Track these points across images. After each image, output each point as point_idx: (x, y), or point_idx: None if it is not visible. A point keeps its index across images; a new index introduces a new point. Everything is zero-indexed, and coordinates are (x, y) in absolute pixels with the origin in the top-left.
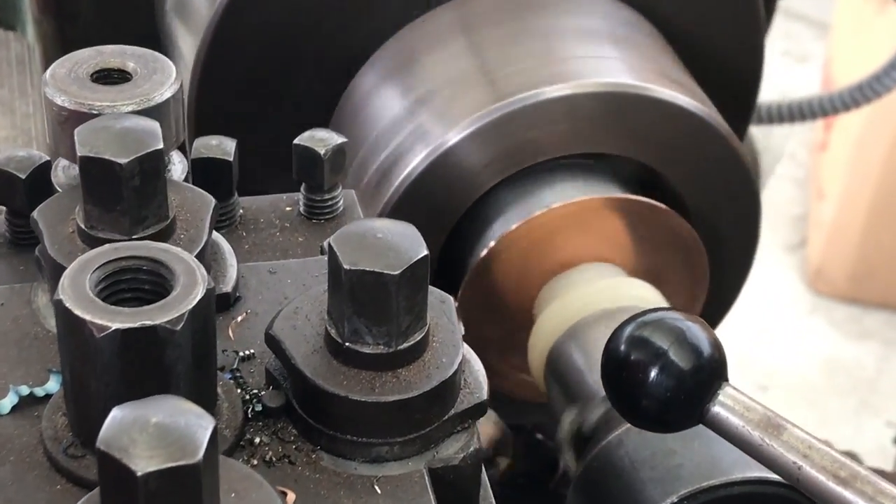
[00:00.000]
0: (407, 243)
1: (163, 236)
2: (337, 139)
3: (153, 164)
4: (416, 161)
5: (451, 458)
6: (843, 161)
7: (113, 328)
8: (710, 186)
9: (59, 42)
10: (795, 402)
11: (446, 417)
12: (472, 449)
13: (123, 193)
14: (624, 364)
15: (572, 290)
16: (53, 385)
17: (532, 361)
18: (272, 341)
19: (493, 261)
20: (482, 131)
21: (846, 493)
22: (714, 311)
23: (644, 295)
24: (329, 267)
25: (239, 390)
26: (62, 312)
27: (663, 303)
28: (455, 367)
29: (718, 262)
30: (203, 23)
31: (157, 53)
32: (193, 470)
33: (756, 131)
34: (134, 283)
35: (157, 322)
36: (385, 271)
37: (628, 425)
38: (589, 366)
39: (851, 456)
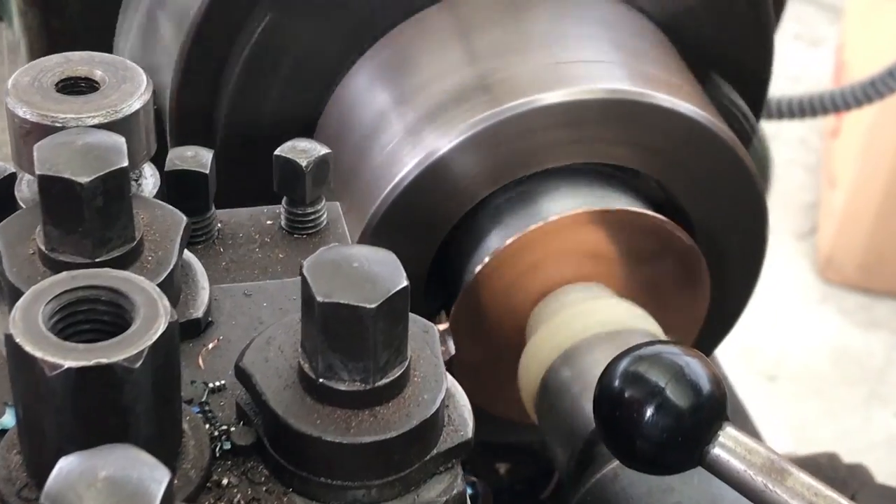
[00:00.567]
0: (385, 273)
1: (129, 259)
2: (320, 150)
3: (117, 183)
4: (406, 169)
5: (434, 500)
6: (856, 148)
7: (65, 366)
8: (714, 198)
9: (45, 35)
10: (804, 392)
11: (428, 458)
12: (455, 491)
13: (85, 214)
14: (618, 401)
15: (565, 311)
16: (9, 420)
17: (523, 385)
18: (242, 375)
19: (488, 277)
20: (477, 139)
21: None
22: (716, 330)
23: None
24: (302, 297)
25: (207, 426)
26: (12, 348)
27: (658, 329)
28: (437, 404)
29: (721, 277)
30: (187, 14)
31: (129, 62)
32: None
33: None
34: (92, 315)
35: (114, 360)
36: (361, 304)
37: None
38: (583, 393)
39: (835, 458)
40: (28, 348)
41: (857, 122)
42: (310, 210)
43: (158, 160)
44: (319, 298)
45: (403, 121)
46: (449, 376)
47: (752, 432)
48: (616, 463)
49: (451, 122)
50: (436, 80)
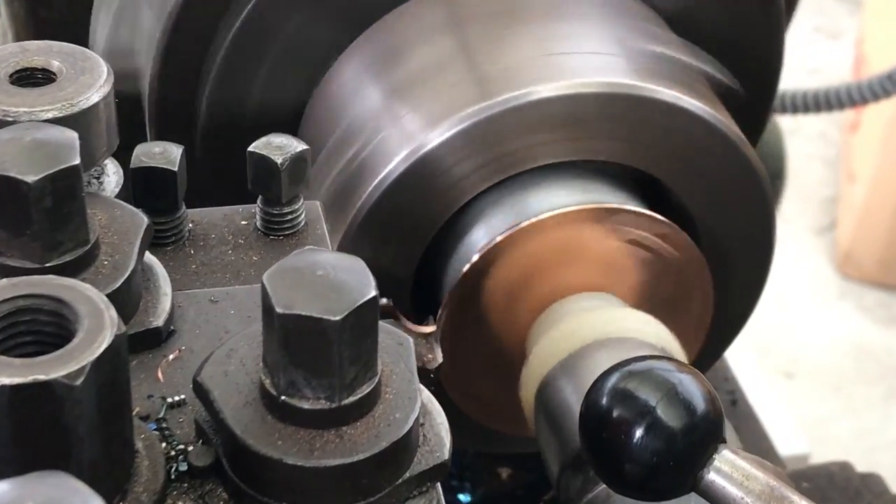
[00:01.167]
0: (353, 282)
1: (82, 264)
2: (297, 146)
3: (68, 183)
4: (392, 164)
5: None
6: (875, 142)
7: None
8: (718, 199)
9: (32, 24)
10: (821, 389)
11: (400, 481)
12: None
13: (33, 216)
14: (605, 421)
15: (567, 320)
16: None
17: (525, 398)
18: (200, 390)
19: (477, 277)
20: (467, 133)
21: None
22: (721, 335)
23: (649, 329)
24: (262, 308)
25: (164, 444)
26: None
27: (669, 337)
28: (410, 423)
29: (726, 281)
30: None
31: (89, 52)
32: None
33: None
34: (34, 327)
35: (52, 376)
36: (324, 317)
37: None
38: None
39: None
40: None
41: (877, 117)
42: (286, 210)
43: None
44: (279, 310)
45: (391, 113)
46: (425, 392)
47: (764, 440)
48: None
49: (440, 116)
50: (426, 72)
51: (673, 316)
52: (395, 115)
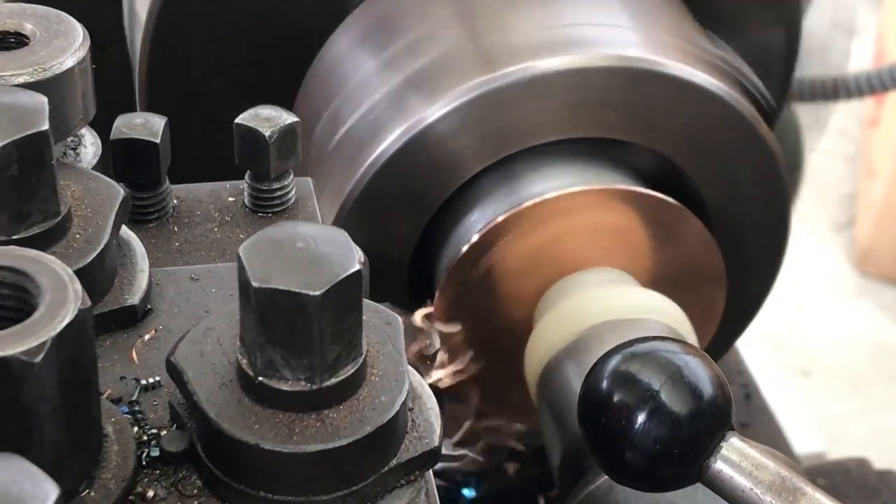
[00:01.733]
0: (335, 255)
1: (52, 237)
2: (286, 118)
3: (36, 150)
4: (390, 138)
5: None
6: (895, 137)
7: None
8: (731, 179)
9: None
10: (839, 388)
11: (386, 469)
12: None
13: None
14: (605, 406)
15: (574, 297)
16: None
17: (528, 374)
18: (173, 370)
19: (477, 260)
20: (469, 107)
21: None
22: (733, 323)
23: (661, 307)
24: (239, 283)
25: (136, 429)
26: None
27: (682, 318)
28: (396, 407)
29: (739, 267)
30: None
31: (64, 15)
32: None
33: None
34: None
35: (10, 353)
36: (303, 291)
37: None
38: None
39: (865, 464)
40: None
41: None
42: (276, 186)
43: None
44: (255, 284)
45: (388, 86)
46: (416, 375)
47: (778, 434)
48: None
49: (440, 89)
50: (425, 43)
51: (682, 301)
52: (391, 89)
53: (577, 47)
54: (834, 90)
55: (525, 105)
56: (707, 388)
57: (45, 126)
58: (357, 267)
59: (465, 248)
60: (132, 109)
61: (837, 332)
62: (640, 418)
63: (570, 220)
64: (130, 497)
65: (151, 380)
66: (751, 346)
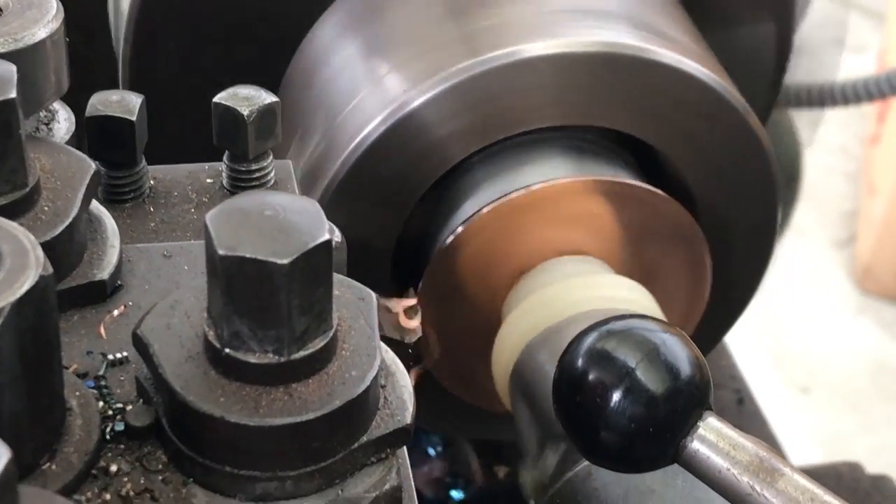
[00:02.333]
0: (304, 224)
1: (19, 208)
2: (265, 97)
3: (3, 118)
4: (372, 124)
5: (360, 497)
6: None
7: None
8: (720, 172)
9: None
10: (838, 406)
11: (356, 446)
12: (388, 486)
13: None
14: (579, 384)
15: (546, 288)
16: None
17: (496, 371)
18: (139, 343)
19: (461, 249)
20: (452, 92)
21: None
22: (719, 321)
23: (634, 298)
24: (206, 252)
25: (101, 404)
26: None
27: (656, 310)
28: (367, 382)
29: (726, 261)
30: None
31: None
32: None
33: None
34: None
35: None
36: (270, 259)
37: None
38: None
39: (858, 468)
40: None
41: None
42: (254, 167)
43: None
44: (221, 252)
45: (372, 73)
46: (389, 353)
47: (771, 441)
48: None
49: (423, 74)
50: (409, 29)
51: (667, 293)
52: (375, 74)
53: (566, 32)
54: (831, 96)
55: (510, 91)
56: (684, 367)
57: (13, 94)
58: (326, 237)
59: (449, 239)
60: None
61: (837, 350)
62: (616, 396)
63: (553, 208)
64: (93, 471)
65: (119, 355)
66: (750, 362)
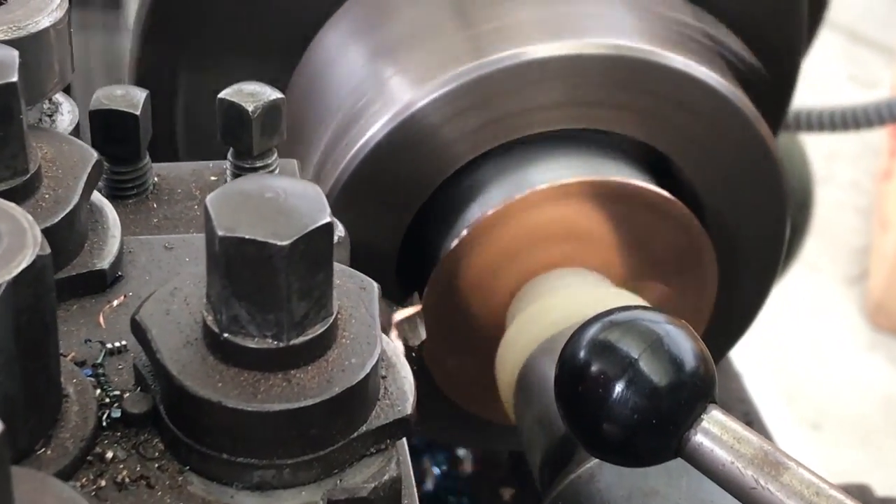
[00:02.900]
0: (304, 207)
1: (20, 194)
2: (270, 94)
3: (3, 102)
4: (376, 126)
5: (359, 487)
6: None
7: None
8: (728, 178)
9: None
10: (849, 442)
11: (355, 435)
12: (387, 477)
13: None
14: (582, 375)
15: (551, 295)
16: None
17: (501, 379)
18: (138, 329)
19: (466, 253)
20: (458, 94)
21: None
22: (724, 335)
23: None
24: (205, 235)
25: (99, 391)
26: None
27: None
28: (367, 369)
29: (733, 269)
30: None
31: None
32: None
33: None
34: None
35: None
36: (270, 241)
37: None
38: None
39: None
40: None
41: None
42: (258, 164)
43: None
44: (221, 233)
45: (377, 75)
46: (391, 344)
47: None
48: (593, 462)
49: (428, 76)
50: (415, 32)
51: (672, 299)
52: (381, 76)
53: (573, 34)
54: (842, 121)
55: (516, 93)
56: (689, 359)
57: (14, 78)
58: (327, 219)
59: (454, 244)
60: None
61: (849, 386)
62: (618, 387)
63: (560, 212)
64: (89, 457)
65: (118, 344)
66: (761, 397)
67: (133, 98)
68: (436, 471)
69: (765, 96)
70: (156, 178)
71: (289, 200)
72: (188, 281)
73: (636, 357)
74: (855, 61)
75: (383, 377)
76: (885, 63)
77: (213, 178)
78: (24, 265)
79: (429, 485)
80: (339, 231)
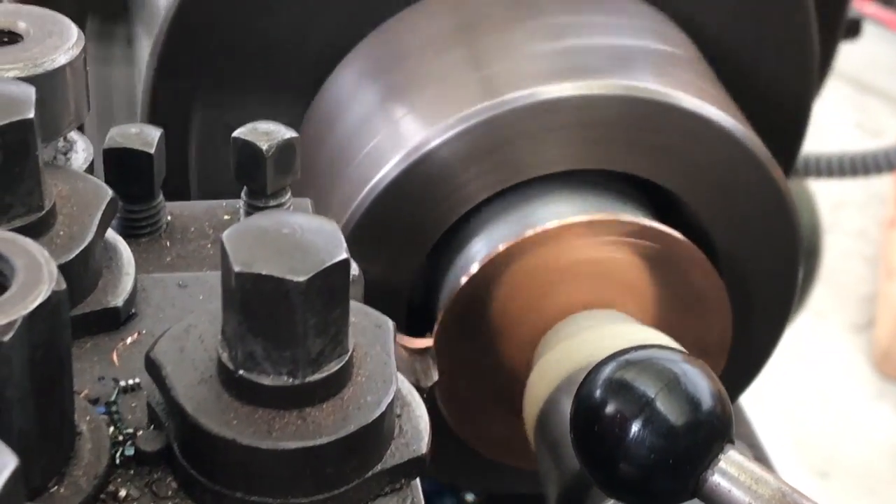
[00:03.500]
0: (321, 243)
1: (35, 231)
2: (285, 133)
3: (20, 139)
4: (388, 167)
5: None
6: None
7: None
8: (741, 221)
9: None
10: (857, 491)
11: (370, 474)
12: None
13: None
14: (598, 415)
15: (575, 336)
16: None
17: (527, 416)
18: (152, 366)
19: (477, 292)
20: (469, 134)
21: None
22: (738, 375)
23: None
24: (221, 270)
25: (112, 429)
26: None
27: None
28: (382, 408)
29: (746, 313)
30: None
31: (59, 16)
32: None
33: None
34: None
35: None
36: (287, 277)
37: None
38: None
39: None
40: None
41: None
42: (272, 203)
43: None
44: (237, 268)
45: (388, 115)
46: (405, 383)
47: None
48: (609, 502)
49: (439, 116)
50: (427, 72)
51: (684, 342)
52: (393, 116)
53: (585, 75)
54: (851, 167)
55: (528, 133)
56: (706, 398)
57: (31, 115)
58: (344, 255)
59: (464, 280)
60: None
61: (856, 435)
62: (635, 427)
63: (572, 251)
64: (102, 496)
65: (131, 381)
66: (768, 445)
67: (147, 136)
68: None
69: (775, 140)
70: (169, 217)
71: (305, 236)
72: (203, 318)
73: (653, 396)
74: (862, 110)
75: (398, 415)
76: (892, 111)
77: (226, 216)
78: (40, 300)
79: None
80: (354, 269)
